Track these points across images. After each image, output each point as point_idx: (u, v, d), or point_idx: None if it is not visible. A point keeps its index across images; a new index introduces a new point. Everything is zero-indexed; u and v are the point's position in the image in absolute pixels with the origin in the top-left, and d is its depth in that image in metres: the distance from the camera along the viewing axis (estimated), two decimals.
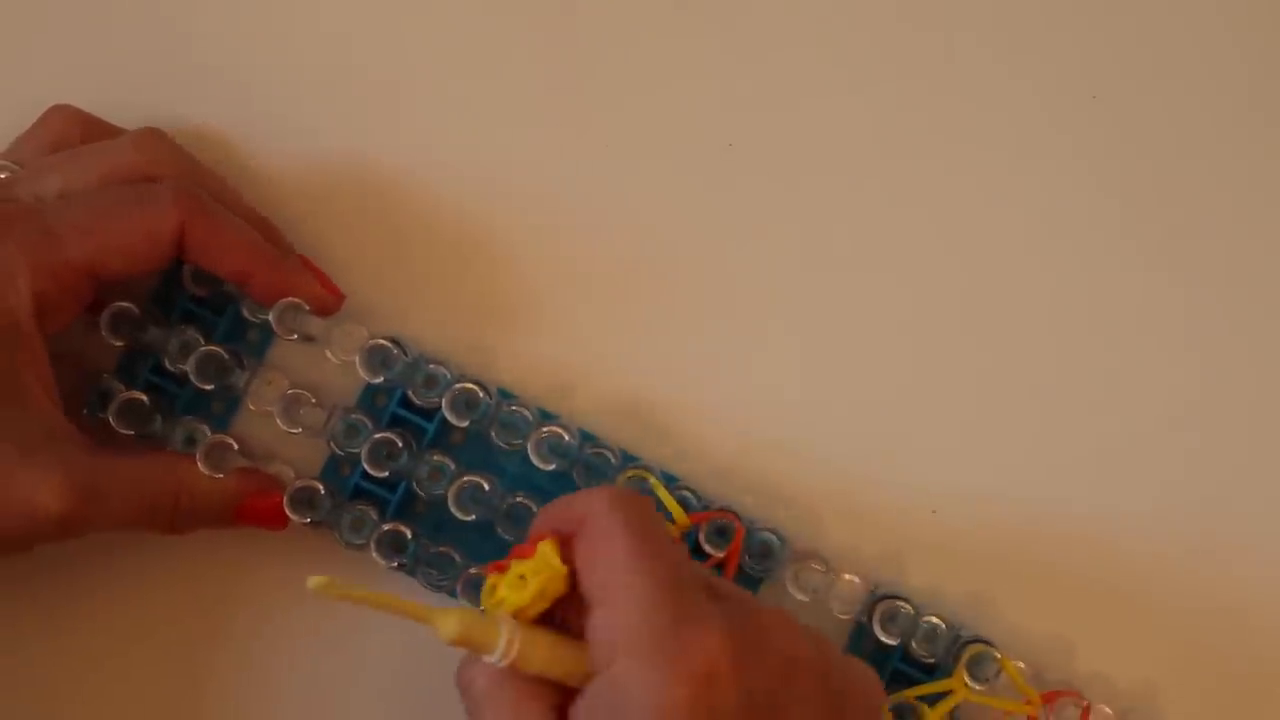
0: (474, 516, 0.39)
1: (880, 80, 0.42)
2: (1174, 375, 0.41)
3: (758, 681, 0.30)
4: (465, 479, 0.39)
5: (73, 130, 0.39)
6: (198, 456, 0.39)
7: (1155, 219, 0.42)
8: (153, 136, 0.39)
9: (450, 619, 0.31)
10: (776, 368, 0.42)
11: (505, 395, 0.40)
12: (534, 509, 0.39)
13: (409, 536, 0.39)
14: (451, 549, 0.40)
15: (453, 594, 0.40)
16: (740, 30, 0.42)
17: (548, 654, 0.32)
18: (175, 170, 0.38)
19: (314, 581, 0.30)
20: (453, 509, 0.39)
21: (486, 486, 0.39)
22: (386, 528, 0.39)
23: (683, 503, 0.39)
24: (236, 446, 0.39)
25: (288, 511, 0.39)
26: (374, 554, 0.39)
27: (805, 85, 0.42)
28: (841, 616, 0.39)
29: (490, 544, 0.40)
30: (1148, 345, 0.41)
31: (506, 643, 0.32)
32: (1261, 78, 0.42)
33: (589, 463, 0.40)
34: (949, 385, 0.41)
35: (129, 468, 0.37)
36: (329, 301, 0.39)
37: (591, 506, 0.32)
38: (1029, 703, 0.38)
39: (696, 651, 0.30)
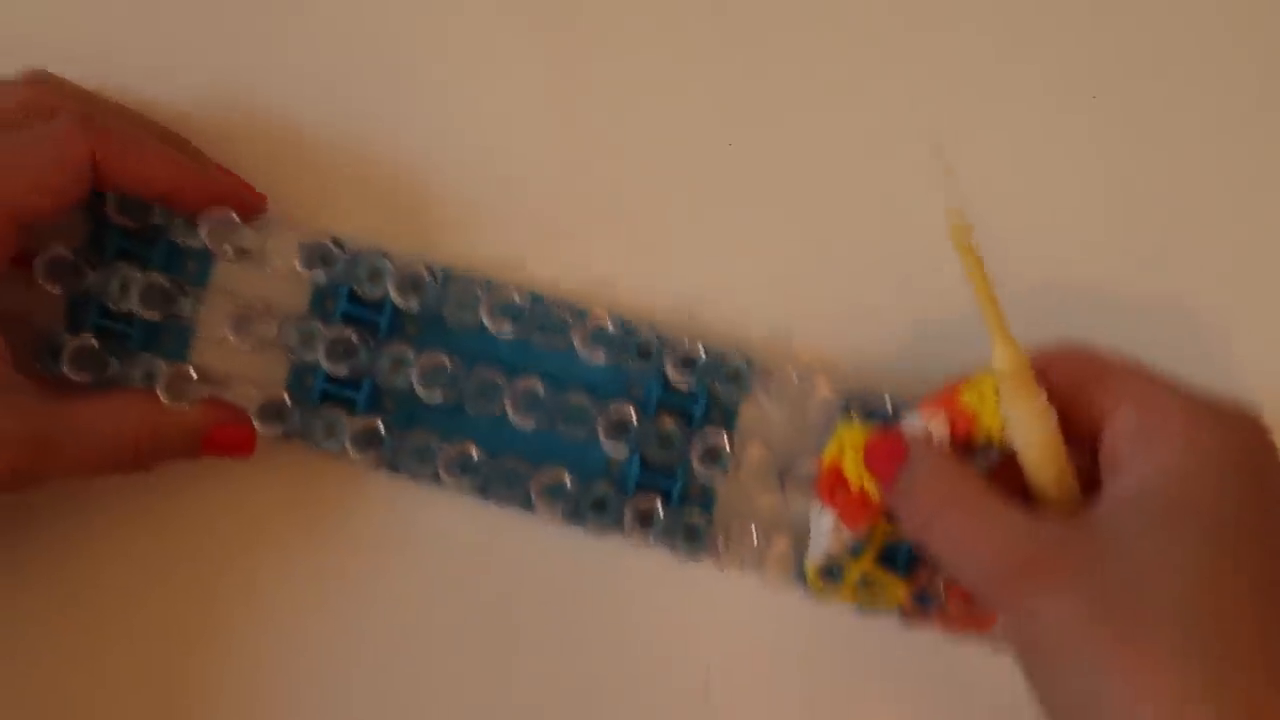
0: (441, 397, 0.39)
1: None
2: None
3: None
4: (425, 359, 0.39)
5: None
6: (159, 389, 0.38)
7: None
8: (43, 74, 0.38)
9: (1014, 354, 0.33)
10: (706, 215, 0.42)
11: (450, 276, 0.40)
12: (500, 384, 0.39)
13: (382, 428, 0.39)
14: (428, 435, 0.40)
15: (437, 480, 0.40)
16: None
17: (1062, 465, 0.33)
18: (73, 101, 0.38)
19: (954, 225, 0.33)
20: (419, 391, 0.39)
21: (449, 364, 0.39)
22: (358, 423, 0.39)
23: (646, 348, 0.40)
24: (195, 375, 0.39)
25: (258, 426, 0.39)
26: (350, 451, 0.39)
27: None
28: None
29: (465, 425, 0.40)
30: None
31: (1042, 408, 0.32)
32: None
33: (546, 324, 0.40)
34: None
35: (84, 414, 0.37)
36: (255, 201, 0.39)
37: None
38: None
39: None
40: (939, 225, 0.40)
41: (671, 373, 0.39)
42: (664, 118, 0.42)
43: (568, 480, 0.39)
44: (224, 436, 0.39)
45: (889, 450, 0.34)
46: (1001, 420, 0.33)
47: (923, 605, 0.38)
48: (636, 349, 0.40)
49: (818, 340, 0.41)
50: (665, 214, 0.42)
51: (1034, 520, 0.31)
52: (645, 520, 0.39)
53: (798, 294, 0.41)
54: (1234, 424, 0.31)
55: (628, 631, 0.40)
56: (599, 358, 0.40)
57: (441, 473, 0.39)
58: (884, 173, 0.42)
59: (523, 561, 0.41)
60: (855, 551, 0.38)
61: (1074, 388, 0.33)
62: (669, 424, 0.40)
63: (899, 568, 0.39)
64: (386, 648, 0.40)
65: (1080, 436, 0.33)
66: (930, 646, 0.40)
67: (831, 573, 0.38)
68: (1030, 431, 0.33)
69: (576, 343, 0.39)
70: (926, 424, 0.34)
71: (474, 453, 0.39)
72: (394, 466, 0.40)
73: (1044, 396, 0.33)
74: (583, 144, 0.42)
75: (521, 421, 0.39)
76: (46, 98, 0.38)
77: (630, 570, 0.40)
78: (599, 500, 0.40)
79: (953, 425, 0.34)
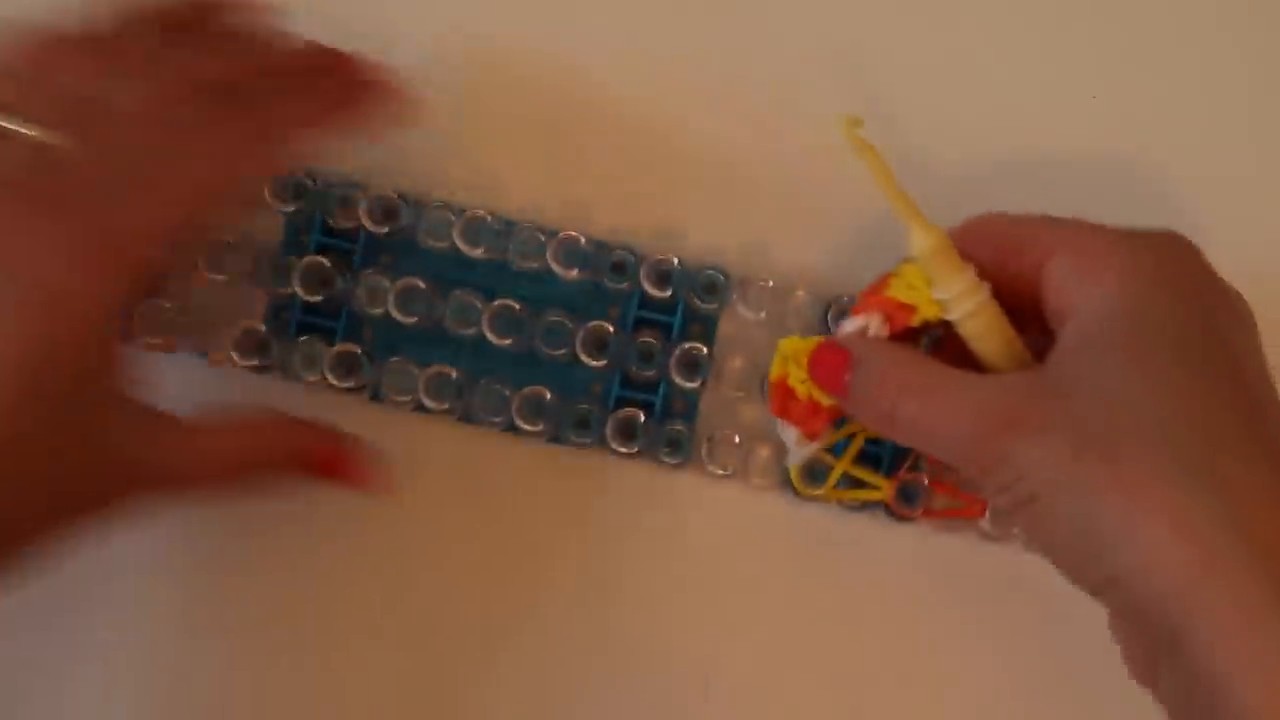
0: (417, 318, 0.39)
1: None
2: None
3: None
4: (402, 283, 0.39)
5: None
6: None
7: None
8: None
9: (932, 234, 0.32)
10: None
11: (422, 203, 0.40)
12: (477, 304, 0.39)
13: (360, 353, 0.39)
14: (408, 362, 0.40)
15: (423, 409, 0.40)
16: None
17: (1005, 330, 0.33)
18: (239, 58, 0.35)
19: (845, 122, 0.32)
20: (396, 315, 0.39)
21: (423, 285, 0.39)
22: (336, 349, 0.39)
23: (621, 264, 0.40)
24: (168, 305, 0.39)
25: (235, 359, 0.39)
26: (330, 379, 0.39)
27: None
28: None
29: (444, 350, 0.40)
30: None
31: (972, 280, 0.32)
32: None
33: (521, 248, 0.40)
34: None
35: (205, 440, 0.35)
36: (398, 94, 0.37)
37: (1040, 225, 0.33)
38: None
39: None
40: (906, 122, 0.41)
41: (648, 287, 0.39)
42: (632, 33, 0.42)
43: (548, 396, 0.39)
44: (350, 471, 0.38)
45: (832, 362, 0.34)
46: (938, 304, 0.33)
47: (908, 500, 0.39)
48: (612, 266, 0.40)
49: (794, 249, 0.41)
50: (636, 132, 0.42)
51: (994, 380, 0.31)
52: (628, 434, 0.40)
53: (771, 204, 0.41)
54: (1165, 245, 0.31)
55: (615, 549, 0.40)
56: (574, 275, 0.40)
57: (423, 396, 0.39)
58: (849, 75, 0.42)
59: (509, 485, 0.41)
60: (837, 451, 0.38)
61: (1002, 257, 0.33)
62: (648, 339, 0.40)
63: (883, 464, 0.39)
64: (379, 580, 0.41)
65: (1022, 305, 0.33)
66: (917, 539, 0.40)
67: (814, 474, 0.39)
68: (967, 304, 0.32)
69: (551, 261, 0.39)
70: (863, 326, 0.34)
71: (453, 374, 0.39)
72: (375, 394, 0.40)
73: (972, 269, 0.33)
74: (549, 66, 0.42)
75: (500, 341, 0.39)
76: (220, 61, 0.34)
77: (615, 488, 0.41)
78: (581, 418, 0.40)
79: (890, 321, 0.33)
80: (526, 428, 0.39)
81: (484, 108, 0.42)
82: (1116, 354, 0.30)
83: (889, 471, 0.39)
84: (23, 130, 0.31)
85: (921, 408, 0.32)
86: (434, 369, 0.39)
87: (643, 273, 0.39)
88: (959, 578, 0.40)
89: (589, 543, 0.40)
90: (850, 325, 0.34)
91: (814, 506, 0.40)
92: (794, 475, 0.38)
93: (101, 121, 0.32)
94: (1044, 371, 0.31)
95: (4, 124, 0.31)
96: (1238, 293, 0.32)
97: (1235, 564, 0.27)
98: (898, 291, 0.33)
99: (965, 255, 0.33)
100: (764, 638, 0.40)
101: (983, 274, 0.33)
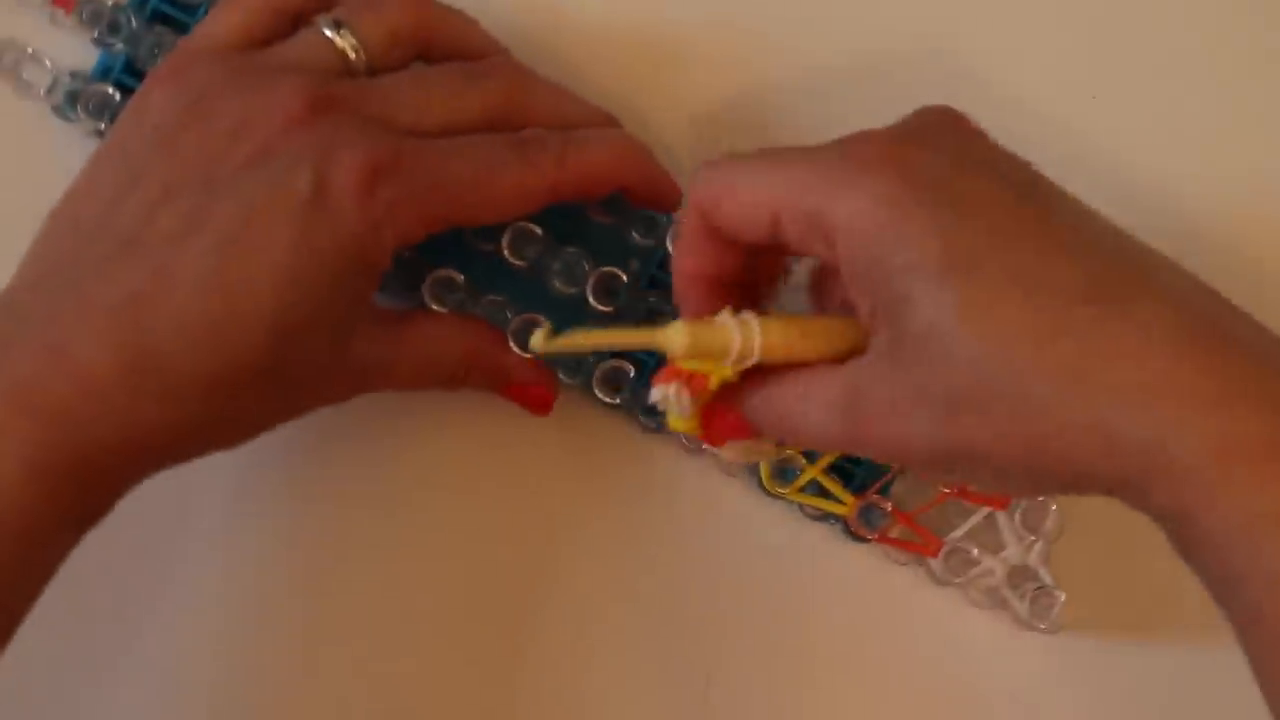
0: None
1: None
2: None
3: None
4: None
5: (414, 27, 0.37)
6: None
7: None
8: (516, 74, 0.38)
9: (676, 334, 0.31)
10: None
11: None
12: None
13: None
14: (420, 261, 0.40)
15: (420, 302, 0.40)
16: None
17: (800, 332, 0.31)
18: (535, 108, 0.37)
19: (535, 340, 0.31)
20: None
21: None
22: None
23: (652, 220, 0.39)
24: None
25: None
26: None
27: None
28: None
29: (458, 257, 0.40)
30: None
31: (743, 338, 0.31)
32: None
33: None
34: None
35: (416, 339, 0.38)
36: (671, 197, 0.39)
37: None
38: None
39: None
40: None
41: (671, 249, 0.39)
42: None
43: (543, 324, 0.39)
44: (527, 393, 0.40)
45: (729, 422, 0.33)
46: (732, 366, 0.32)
47: (868, 522, 0.38)
48: (643, 223, 0.40)
49: None
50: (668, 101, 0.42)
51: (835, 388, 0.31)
52: (614, 385, 0.39)
53: None
54: (855, 169, 0.30)
55: (574, 497, 0.41)
56: (608, 220, 0.40)
57: (426, 296, 0.39)
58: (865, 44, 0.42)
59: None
60: (812, 456, 0.38)
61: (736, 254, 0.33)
62: (658, 299, 0.39)
63: (854, 481, 0.39)
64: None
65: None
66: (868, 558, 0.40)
67: (785, 474, 0.38)
68: (754, 349, 0.31)
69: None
70: (664, 394, 0.32)
71: (459, 279, 0.39)
72: (381, 287, 0.40)
73: (726, 318, 0.32)
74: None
75: (515, 261, 0.39)
76: (516, 101, 0.37)
77: (588, 436, 0.41)
78: (575, 357, 0.40)
79: (690, 388, 0.32)
80: (518, 351, 0.39)
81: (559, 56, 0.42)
82: (917, 315, 0.28)
83: (858, 490, 0.39)
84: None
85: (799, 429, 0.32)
86: (441, 272, 0.39)
87: (669, 235, 0.39)
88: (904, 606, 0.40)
89: (542, 484, 0.41)
90: (656, 394, 0.33)
91: (779, 500, 0.40)
92: (763, 471, 0.38)
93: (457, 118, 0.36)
94: (874, 353, 0.30)
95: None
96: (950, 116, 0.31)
97: (1161, 437, 0.27)
98: (690, 365, 0.32)
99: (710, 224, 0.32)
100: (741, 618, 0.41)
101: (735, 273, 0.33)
